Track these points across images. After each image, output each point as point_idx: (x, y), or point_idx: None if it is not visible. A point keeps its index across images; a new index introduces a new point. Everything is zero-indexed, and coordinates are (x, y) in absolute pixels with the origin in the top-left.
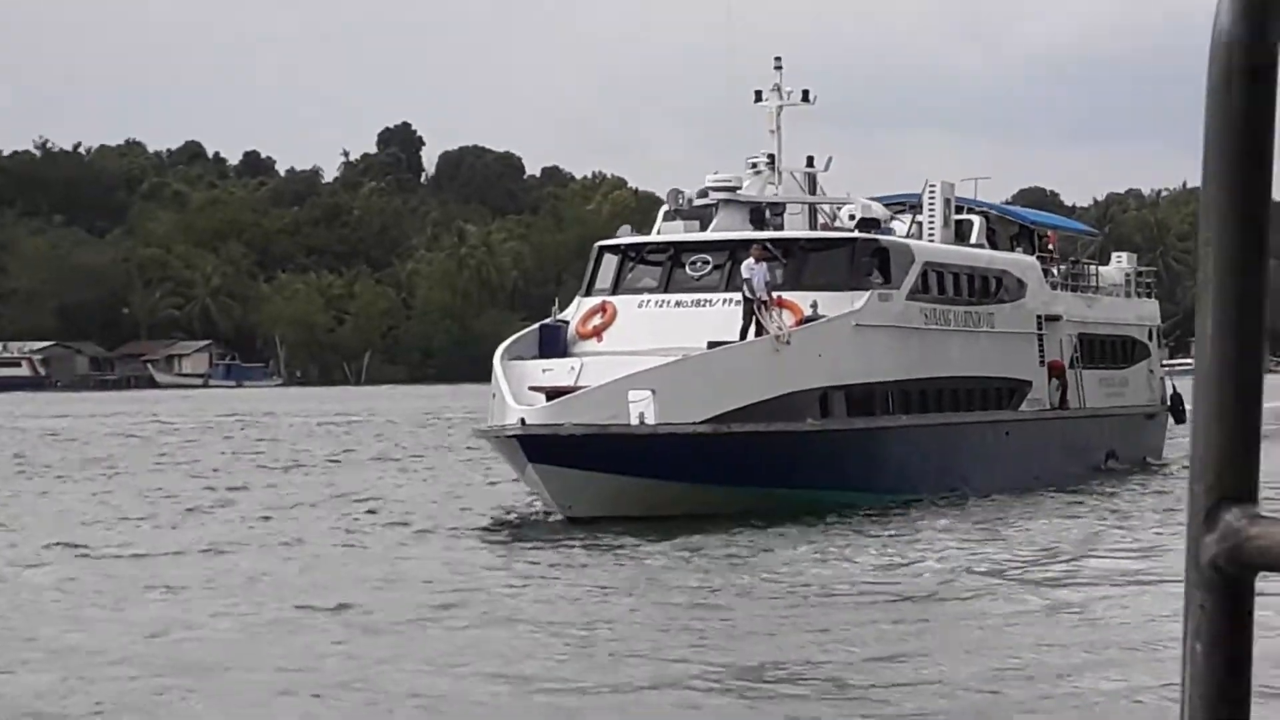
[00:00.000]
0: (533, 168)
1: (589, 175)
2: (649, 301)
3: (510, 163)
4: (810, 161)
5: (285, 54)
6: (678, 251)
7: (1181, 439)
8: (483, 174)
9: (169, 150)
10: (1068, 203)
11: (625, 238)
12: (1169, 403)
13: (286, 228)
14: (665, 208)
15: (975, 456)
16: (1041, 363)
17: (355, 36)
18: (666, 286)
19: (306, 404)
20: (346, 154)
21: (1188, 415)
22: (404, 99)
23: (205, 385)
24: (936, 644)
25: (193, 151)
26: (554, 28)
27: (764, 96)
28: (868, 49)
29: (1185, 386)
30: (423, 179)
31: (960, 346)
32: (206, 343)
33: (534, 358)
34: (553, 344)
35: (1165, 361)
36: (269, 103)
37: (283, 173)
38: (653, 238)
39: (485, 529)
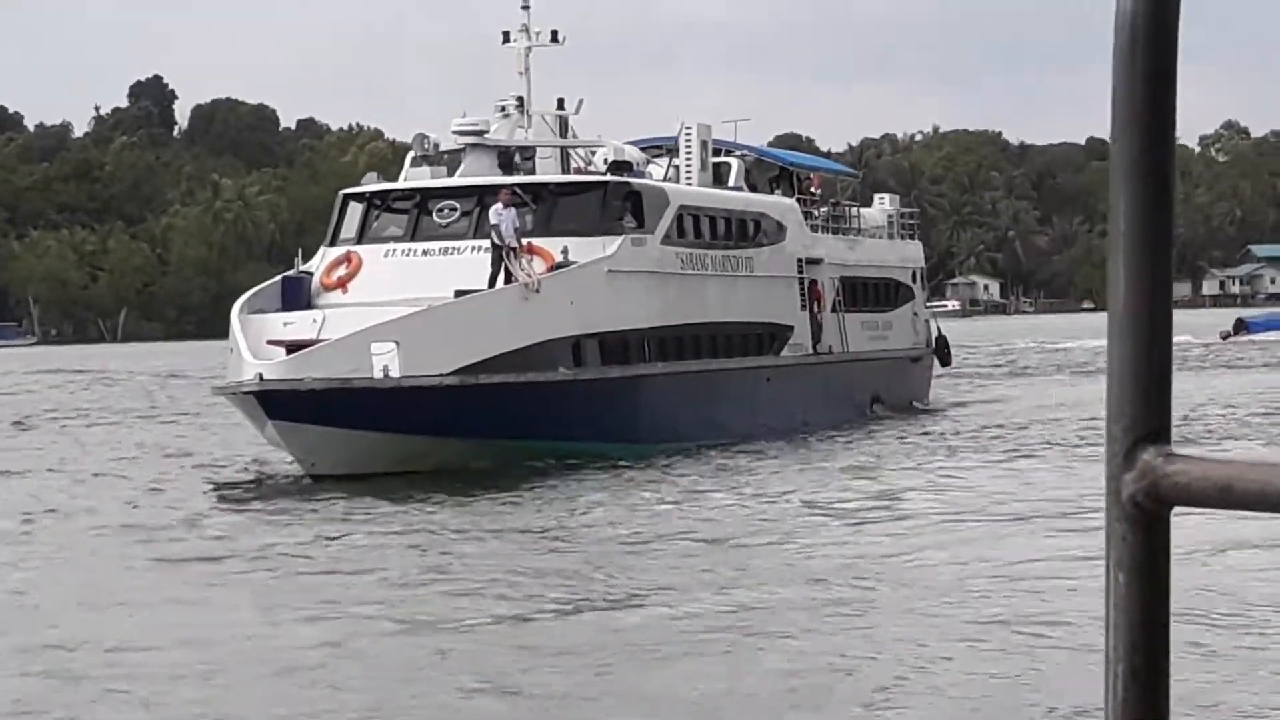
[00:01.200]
0: (288, 120)
1: (345, 127)
2: (395, 250)
3: (264, 115)
4: (561, 104)
5: (31, 6)
6: (424, 198)
7: (949, 382)
8: (236, 127)
9: None
10: (823, 148)
11: (370, 185)
12: (934, 345)
13: (36, 184)
14: (412, 153)
15: (736, 404)
16: (803, 307)
17: None
18: (413, 235)
19: (55, 362)
20: (97, 109)
21: (953, 357)
22: (155, 52)
23: None
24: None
25: None
26: None
27: (512, 37)
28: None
29: (948, 329)
30: (176, 133)
31: (718, 291)
32: None
33: (276, 311)
34: (295, 296)
35: (926, 304)
36: (15, 57)
37: (31, 128)
38: (398, 185)
39: (220, 488)
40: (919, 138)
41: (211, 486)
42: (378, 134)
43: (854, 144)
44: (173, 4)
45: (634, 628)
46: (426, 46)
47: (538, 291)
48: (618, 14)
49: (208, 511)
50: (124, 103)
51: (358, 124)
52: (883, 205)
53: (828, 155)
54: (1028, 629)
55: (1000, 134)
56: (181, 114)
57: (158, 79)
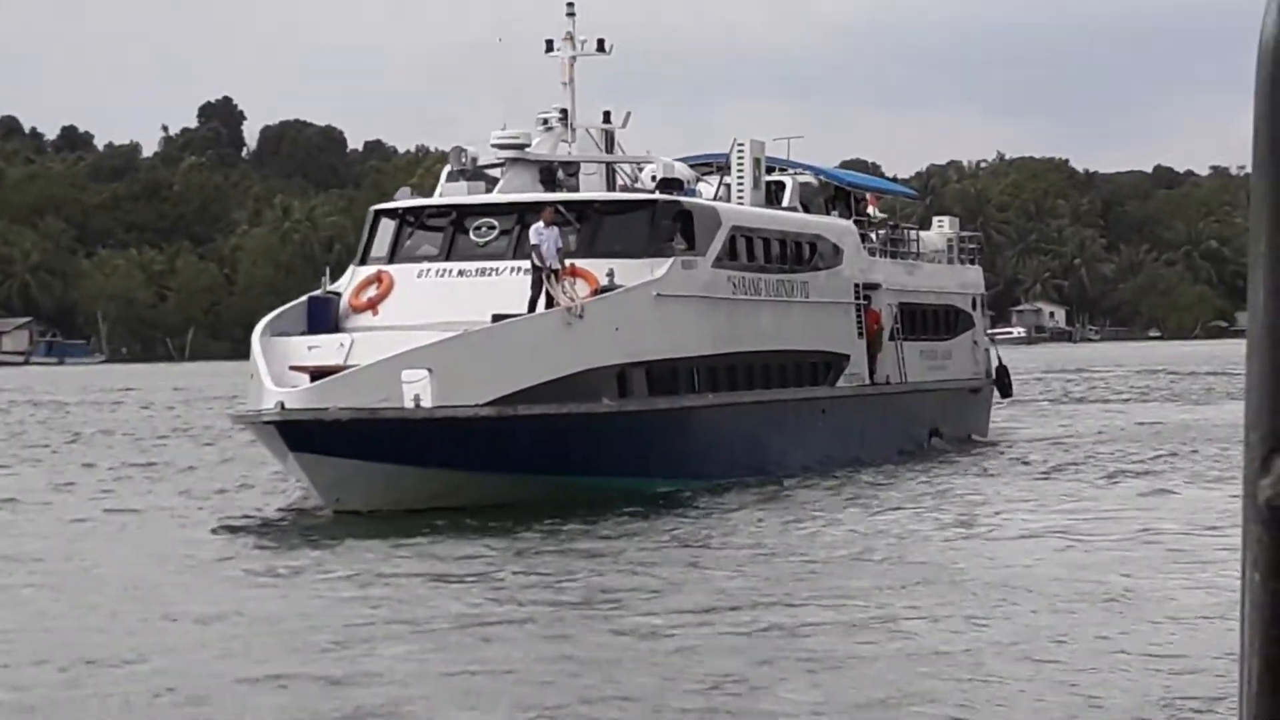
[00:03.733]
0: (355, 142)
1: (412, 149)
2: (429, 270)
3: (332, 136)
4: (607, 117)
5: (104, 28)
6: (461, 215)
7: (1009, 414)
8: (304, 148)
9: None
10: (889, 174)
11: (403, 200)
12: (995, 375)
13: (106, 203)
14: (448, 168)
15: (789, 437)
16: (860, 334)
17: (174, 9)
18: (448, 254)
19: (123, 381)
20: (166, 128)
21: (1013, 388)
22: (225, 73)
23: (26, 363)
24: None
25: (9, 126)
26: (371, 2)
27: (555, 46)
28: (670, 22)
29: (1012, 356)
30: (244, 154)
31: (772, 318)
32: (27, 320)
33: (301, 334)
34: (322, 318)
35: (988, 331)
36: (87, 77)
37: (102, 147)
38: (433, 200)
39: (233, 527)
40: (985, 164)
41: (223, 526)
42: (443, 156)
43: (920, 170)
44: (242, 27)
45: None
46: (495, 69)
47: (581, 316)
48: (669, 32)
49: (219, 553)
50: (193, 123)
51: (424, 146)
52: (941, 229)
53: (893, 181)
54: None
55: (1067, 161)
56: (250, 135)
57: (227, 100)
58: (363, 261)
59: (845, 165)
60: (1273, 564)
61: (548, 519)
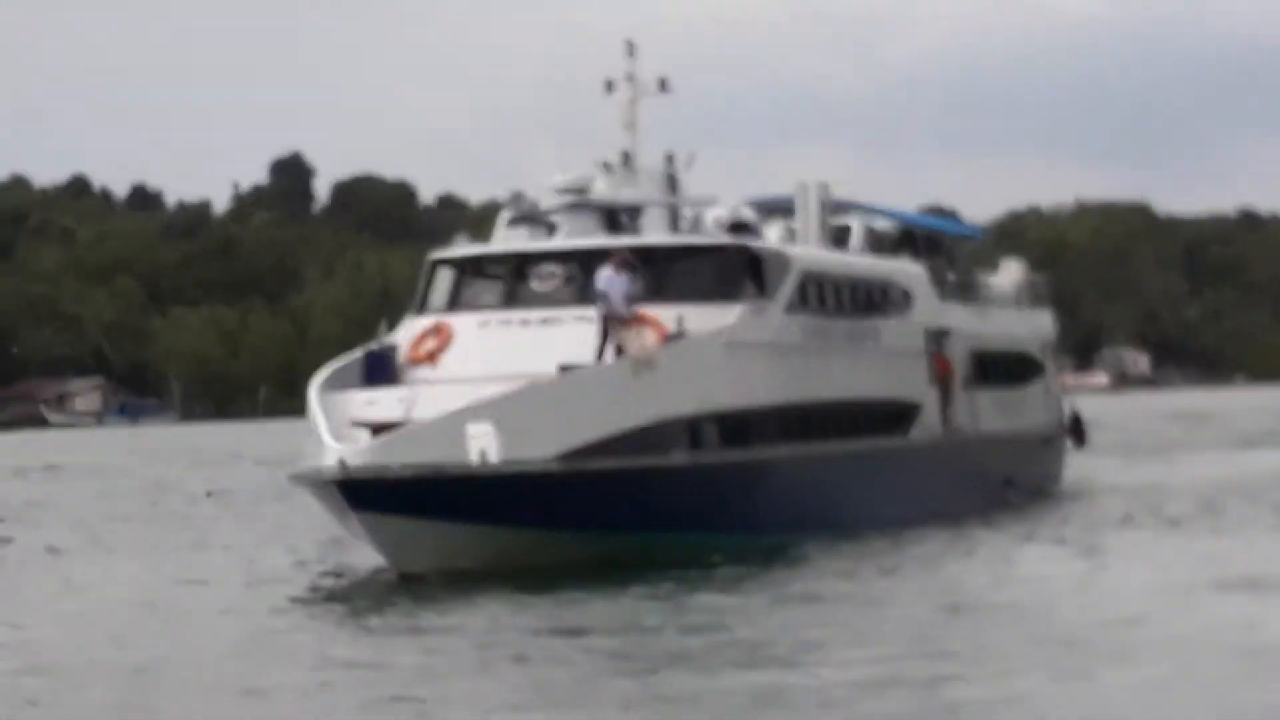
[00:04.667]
0: (427, 196)
1: (485, 201)
2: (490, 320)
3: (404, 191)
4: (670, 160)
5: (173, 85)
6: (522, 263)
7: (1085, 465)
8: (376, 203)
9: (55, 185)
10: (968, 219)
11: (462, 248)
12: (1069, 424)
13: (177, 261)
14: (506, 214)
15: (863, 490)
16: (931, 382)
17: (242, 66)
18: (510, 303)
19: (196, 441)
20: (237, 185)
21: (1089, 437)
22: (295, 128)
23: (100, 423)
24: None
25: (80, 185)
26: (437, 54)
27: (616, 86)
28: (737, 62)
29: (1090, 406)
30: (315, 209)
31: (844, 365)
32: (99, 380)
33: (358, 388)
34: (380, 372)
35: (1072, 379)
36: (157, 134)
37: (172, 205)
38: (493, 248)
39: (295, 597)
40: (1065, 208)
41: (285, 595)
42: None
43: (998, 215)
44: (309, 81)
45: None
46: (559, 124)
47: (651, 366)
48: (734, 77)
49: (278, 625)
50: (263, 179)
51: (496, 199)
52: (1010, 271)
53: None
54: None
55: (1148, 205)
56: (321, 190)
57: (296, 155)
58: (420, 312)
59: (923, 211)
60: None
61: (632, 579)
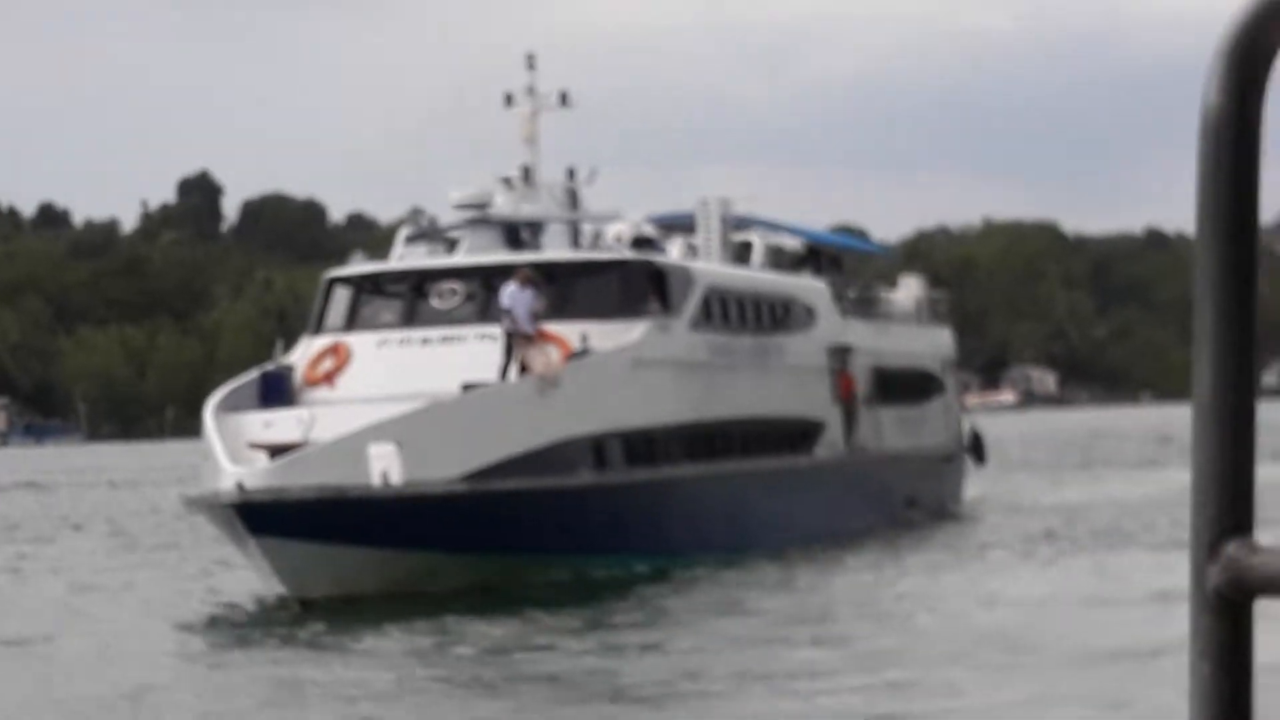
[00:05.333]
0: (336, 214)
1: (395, 220)
2: (390, 340)
3: (313, 209)
4: (571, 175)
5: (81, 104)
6: (422, 280)
7: (986, 484)
8: (285, 222)
9: None
10: (877, 238)
11: (359, 266)
12: (969, 443)
13: (85, 280)
14: (404, 231)
15: (769, 509)
16: (834, 400)
17: (151, 84)
18: (410, 321)
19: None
20: (145, 204)
21: (988, 456)
22: (203, 147)
23: (4, 444)
24: None
25: None
26: (347, 72)
27: (516, 100)
28: (645, 79)
29: (990, 425)
30: (224, 228)
31: (749, 383)
32: (4, 400)
33: (255, 409)
34: (276, 393)
35: (978, 398)
36: (64, 153)
37: (80, 224)
38: (391, 265)
39: (188, 628)
40: (973, 228)
41: (172, 623)
42: None
43: (907, 235)
44: (217, 100)
45: None
46: (468, 137)
47: (556, 384)
48: (641, 93)
49: (171, 655)
50: (172, 198)
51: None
52: (909, 288)
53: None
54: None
55: (1055, 224)
56: (230, 209)
57: (204, 174)
58: (317, 331)
59: (833, 230)
60: (1221, 655)
61: (531, 605)
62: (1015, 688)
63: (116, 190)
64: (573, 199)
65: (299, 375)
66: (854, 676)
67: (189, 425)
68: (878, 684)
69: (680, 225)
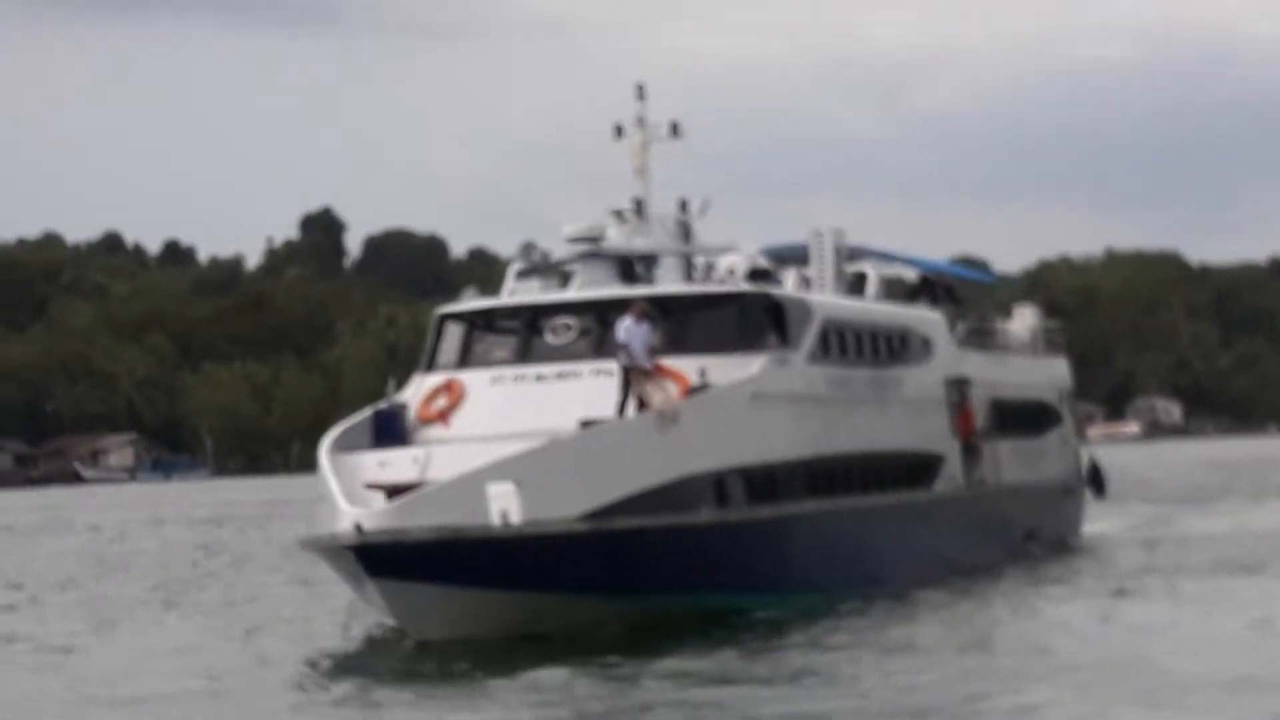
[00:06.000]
0: (458, 249)
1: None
2: (504, 376)
3: (435, 245)
4: (684, 206)
5: (205, 140)
6: (535, 315)
7: (1104, 516)
8: (408, 257)
9: (88, 241)
10: (998, 270)
11: (471, 302)
12: (1088, 474)
13: (210, 317)
14: (515, 265)
15: (889, 546)
16: (953, 433)
17: (275, 121)
18: (524, 357)
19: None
20: (270, 240)
21: (1108, 487)
22: (326, 183)
23: (133, 479)
24: None
25: (112, 242)
26: (469, 106)
27: (626, 131)
28: (759, 111)
29: (1114, 456)
30: (347, 264)
31: (867, 417)
32: (132, 436)
33: (368, 448)
34: (390, 432)
35: (1103, 429)
36: (190, 190)
37: (204, 261)
38: (504, 300)
39: (305, 671)
40: (1095, 258)
41: (301, 663)
42: None
43: (1029, 265)
44: (340, 136)
45: None
46: (589, 175)
47: (675, 420)
48: (755, 125)
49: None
50: (295, 234)
51: None
52: (1024, 318)
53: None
54: None
55: (1178, 253)
56: (352, 245)
57: (327, 210)
58: (429, 369)
59: (954, 261)
60: None
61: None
62: None
63: (241, 227)
64: (685, 231)
65: (412, 413)
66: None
67: (313, 460)
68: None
69: (793, 257)
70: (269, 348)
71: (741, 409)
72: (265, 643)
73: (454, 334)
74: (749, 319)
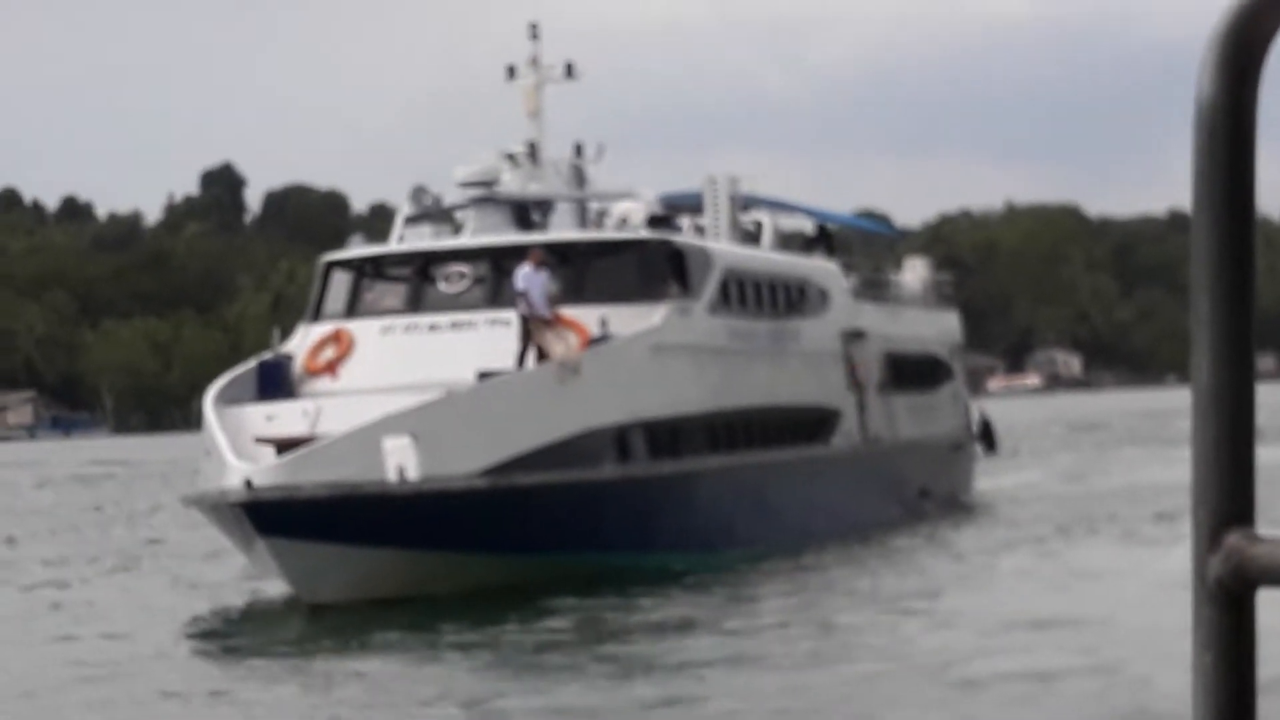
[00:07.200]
0: (359, 204)
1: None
2: (395, 326)
3: (335, 200)
4: (579, 151)
5: (103, 96)
6: (427, 262)
7: (993, 473)
8: (308, 212)
9: None
10: (900, 223)
11: (359, 249)
12: (979, 430)
13: (109, 274)
14: (406, 210)
15: (790, 502)
16: (848, 387)
17: (173, 76)
18: (416, 306)
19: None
20: (170, 196)
21: (999, 443)
22: (225, 138)
23: (32, 438)
24: None
25: (9, 198)
26: (371, 55)
27: (518, 72)
28: (657, 66)
29: (1007, 409)
30: (247, 219)
31: (767, 370)
32: (30, 393)
33: (254, 401)
34: (275, 384)
35: (1003, 381)
36: (88, 146)
37: (103, 217)
38: (395, 247)
39: (194, 634)
40: (995, 212)
41: (179, 626)
42: None
43: (930, 219)
44: (238, 92)
45: None
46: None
47: (577, 372)
48: (650, 78)
49: (178, 664)
50: (195, 190)
51: None
52: (915, 270)
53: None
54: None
55: (1077, 206)
56: (253, 200)
57: (228, 166)
58: (316, 319)
59: (855, 215)
60: (1223, 645)
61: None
62: None
63: (140, 183)
64: (580, 177)
65: (299, 365)
66: None
67: None
68: None
69: (687, 205)
70: (169, 304)
71: (643, 361)
72: (144, 611)
73: (341, 282)
74: (651, 268)
